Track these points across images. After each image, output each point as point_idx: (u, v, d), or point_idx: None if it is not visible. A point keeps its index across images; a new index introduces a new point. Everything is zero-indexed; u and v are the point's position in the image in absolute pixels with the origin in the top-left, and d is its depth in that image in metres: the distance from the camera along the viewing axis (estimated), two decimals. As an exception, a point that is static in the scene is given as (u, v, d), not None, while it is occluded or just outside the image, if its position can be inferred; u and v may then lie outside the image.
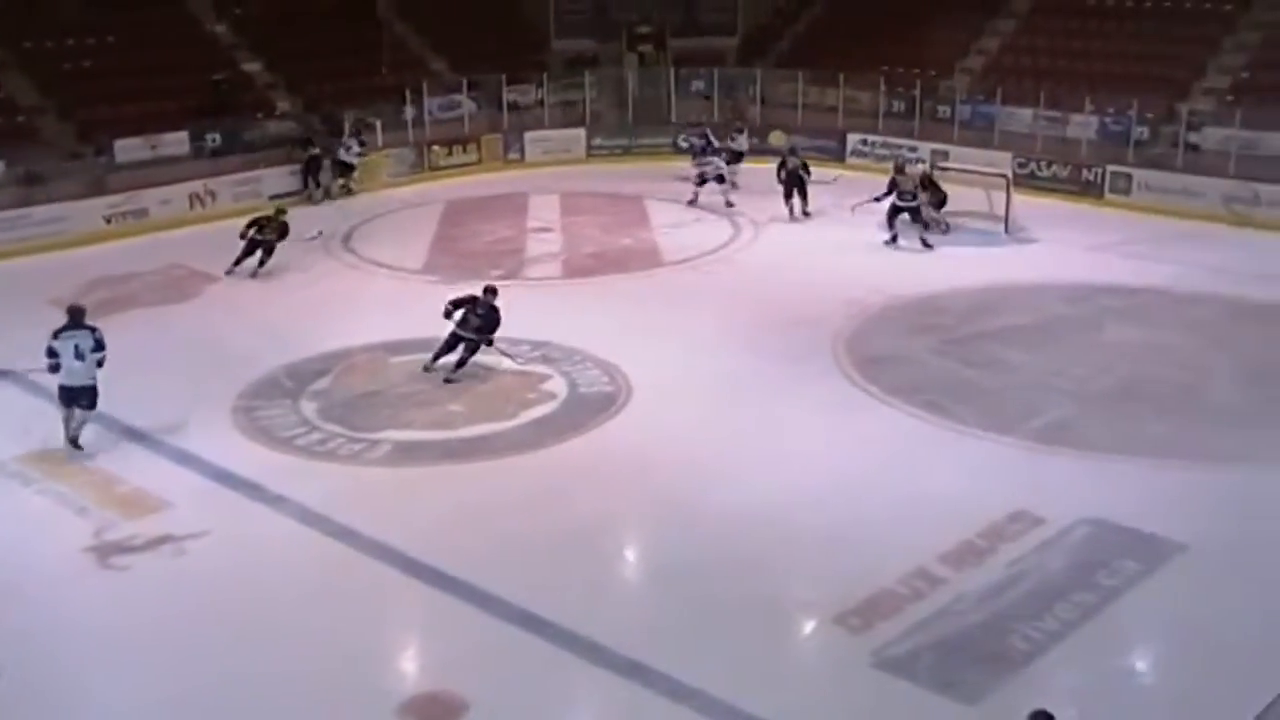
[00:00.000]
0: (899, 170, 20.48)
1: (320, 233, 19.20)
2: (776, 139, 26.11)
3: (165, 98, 23.13)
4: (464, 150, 26.09)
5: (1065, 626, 9.28)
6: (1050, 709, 6.50)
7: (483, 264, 19.08)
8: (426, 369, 14.06)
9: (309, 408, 13.50)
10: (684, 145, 25.46)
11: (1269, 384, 14.07)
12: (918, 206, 19.89)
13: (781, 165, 22.05)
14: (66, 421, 12.13)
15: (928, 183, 20.96)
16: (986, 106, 25.18)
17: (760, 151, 25.45)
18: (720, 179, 22.66)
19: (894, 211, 19.81)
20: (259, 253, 18.18)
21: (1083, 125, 23.75)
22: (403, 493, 11.67)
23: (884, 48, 27.13)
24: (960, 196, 20.85)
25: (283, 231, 18.33)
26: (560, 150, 27.05)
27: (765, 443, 12.57)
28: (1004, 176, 21.20)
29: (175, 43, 24.55)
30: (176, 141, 22.58)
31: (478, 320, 13.98)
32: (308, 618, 9.44)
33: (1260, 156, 21.61)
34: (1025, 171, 23.26)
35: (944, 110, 25.69)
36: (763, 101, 27.94)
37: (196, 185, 22.03)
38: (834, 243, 19.97)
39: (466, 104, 26.60)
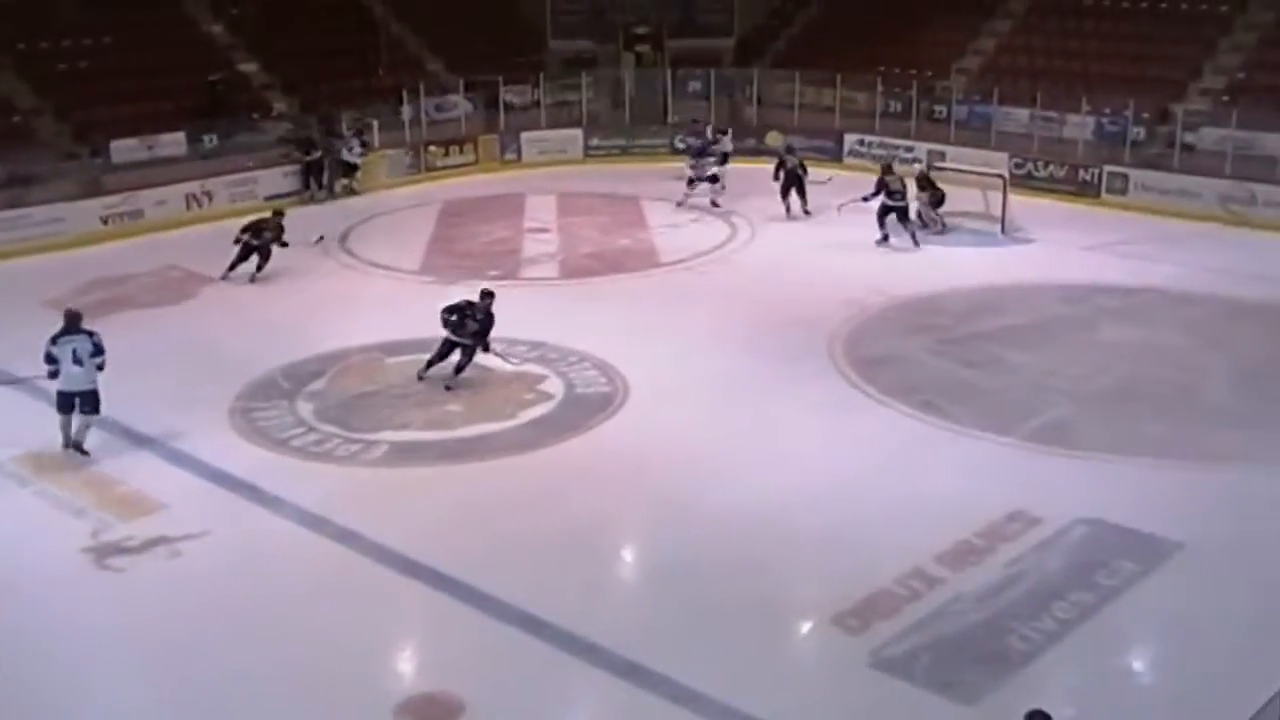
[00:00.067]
0: (887, 170, 20.50)
1: (322, 237, 19.11)
2: (773, 139, 26.11)
3: (162, 98, 23.12)
4: (461, 151, 26.07)
5: (1063, 626, 9.28)
6: (1048, 709, 6.50)
7: (480, 264, 19.08)
8: (420, 377, 13.96)
9: (306, 408, 13.49)
10: (680, 146, 25.43)
11: (1265, 384, 14.09)
12: (906, 206, 19.91)
13: (780, 165, 22.07)
14: (64, 428, 12.05)
15: (925, 182, 21.01)
16: (983, 107, 25.19)
17: (757, 152, 25.54)
18: (713, 179, 22.68)
19: (884, 211, 19.84)
20: (255, 257, 17.96)
21: (1079, 125, 23.76)
22: (400, 493, 11.66)
23: (880, 48, 27.13)
24: (957, 197, 20.88)
25: (279, 233, 18.07)
26: (557, 151, 27.02)
27: (762, 443, 12.57)
28: (1001, 177, 21.22)
29: (172, 43, 24.51)
30: (173, 142, 22.55)
31: (475, 325, 13.88)
32: (304, 618, 9.43)
33: (1256, 157, 21.63)
34: (1022, 172, 23.27)
35: (941, 110, 25.70)
36: (759, 102, 27.94)
37: (193, 186, 21.99)
38: (831, 243, 19.97)
39: (463, 104, 26.59)
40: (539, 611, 9.40)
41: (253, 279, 17.99)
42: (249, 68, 25.42)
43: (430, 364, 13.95)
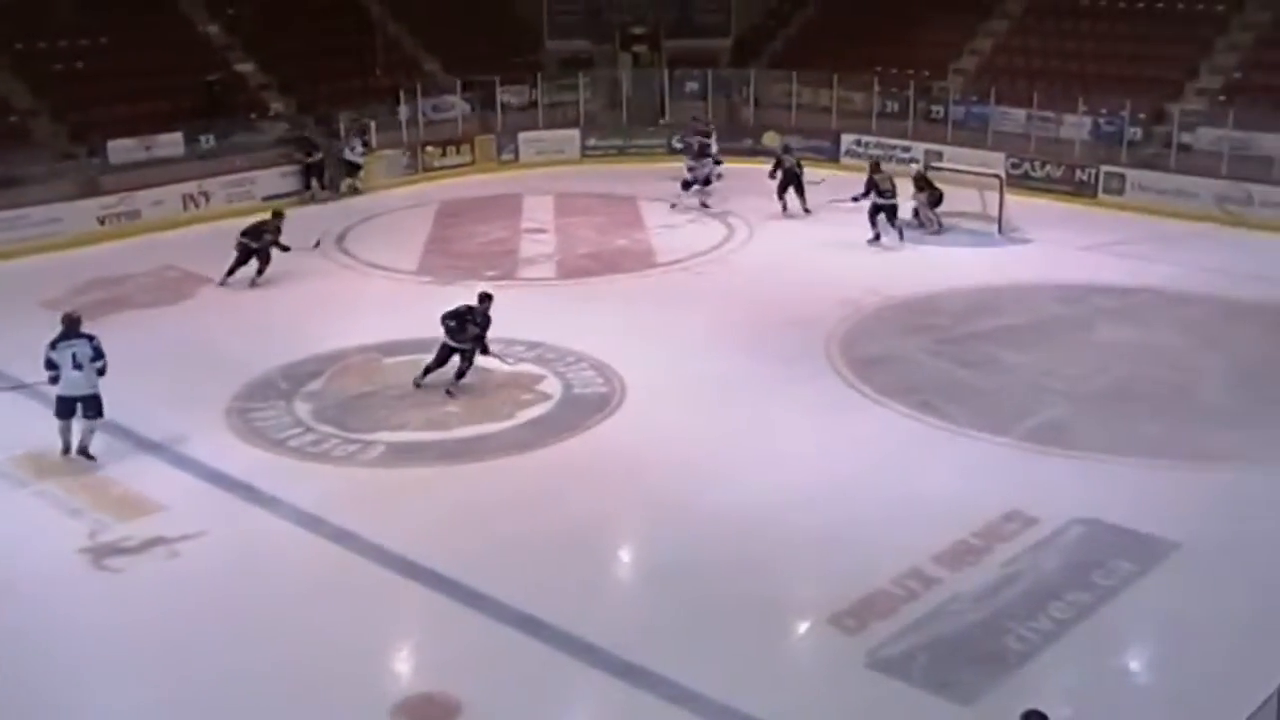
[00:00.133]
0: (875, 168, 20.54)
1: (319, 242, 18.99)
2: (770, 139, 26.15)
3: (159, 99, 23.11)
4: (458, 151, 26.08)
5: (1060, 626, 9.29)
6: (1045, 709, 6.49)
7: (477, 265, 19.10)
8: (417, 385, 13.84)
9: (303, 409, 13.49)
10: (678, 146, 25.42)
11: (1262, 384, 14.11)
12: (896, 204, 19.92)
13: (777, 164, 22.12)
14: (63, 433, 11.96)
15: (923, 182, 21.03)
16: (980, 107, 25.22)
17: (754, 152, 25.56)
18: (707, 180, 22.68)
19: (874, 210, 19.86)
20: (255, 261, 17.83)
21: (1076, 126, 23.78)
22: (397, 493, 11.66)
23: (877, 48, 27.15)
24: (954, 197, 20.91)
25: (278, 235, 17.87)
26: (554, 151, 27.04)
27: (759, 443, 12.58)
28: (997, 177, 21.21)
29: (168, 44, 24.49)
30: (170, 143, 22.55)
31: (476, 329, 13.79)
32: (302, 619, 9.43)
33: (1253, 157, 21.64)
34: (1019, 172, 23.30)
35: (937, 111, 25.75)
36: (756, 103, 27.97)
37: (190, 186, 22.01)
38: (828, 243, 19.98)
39: (460, 105, 26.59)
40: (536, 612, 9.40)
41: (253, 283, 17.87)
42: (246, 68, 25.41)
43: (428, 371, 13.85)
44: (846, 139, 26.17)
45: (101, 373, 11.87)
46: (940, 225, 20.71)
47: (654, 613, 9.69)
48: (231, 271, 17.86)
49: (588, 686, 8.90)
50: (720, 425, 13.02)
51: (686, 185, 22.57)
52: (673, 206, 22.47)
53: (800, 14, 30.15)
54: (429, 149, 25.60)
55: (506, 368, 14.20)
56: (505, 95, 26.94)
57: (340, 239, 20.65)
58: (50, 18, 23.66)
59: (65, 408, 11.88)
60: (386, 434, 12.82)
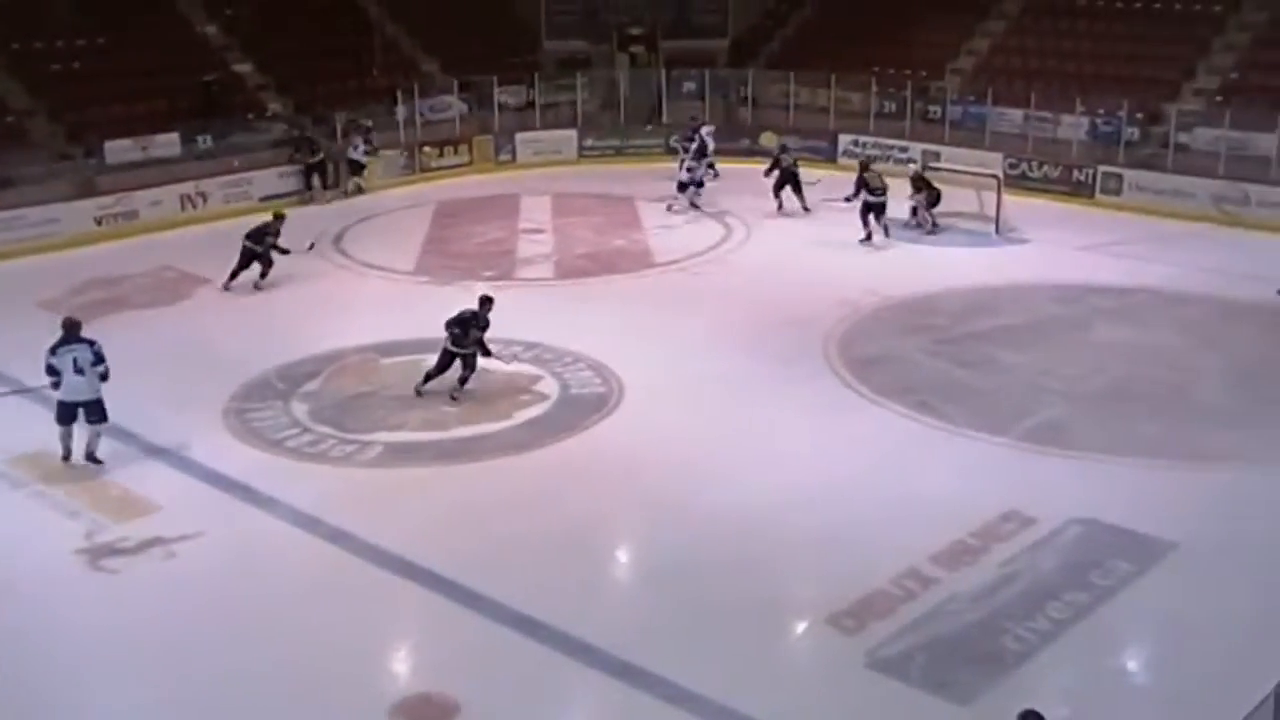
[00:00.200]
0: (865, 167, 20.55)
1: (313, 244, 18.89)
2: (768, 140, 26.14)
3: (156, 99, 23.10)
4: (455, 151, 26.06)
5: (1057, 626, 9.30)
6: (1042, 709, 6.51)
7: (474, 265, 19.10)
8: (418, 392, 13.67)
9: (300, 409, 13.48)
10: (676, 146, 25.39)
11: (1259, 384, 14.13)
12: (885, 202, 19.92)
13: (775, 163, 22.16)
14: (64, 439, 11.85)
15: (921, 182, 21.04)
16: (977, 107, 25.23)
17: (752, 152, 25.55)
18: (701, 183, 22.69)
19: (866, 209, 19.87)
20: (256, 265, 17.71)
21: (1073, 126, 23.81)
22: (394, 494, 11.66)
23: (875, 49, 27.16)
24: (951, 197, 20.92)
25: (278, 236, 17.74)
26: (552, 151, 27.03)
27: (757, 443, 12.58)
28: (995, 177, 21.23)
29: (166, 44, 24.46)
30: (167, 143, 22.51)
31: (479, 333, 13.68)
32: (299, 619, 9.43)
33: (1250, 157, 21.68)
34: (1016, 172, 23.31)
35: (935, 111, 25.76)
36: (754, 103, 27.97)
37: (187, 187, 21.99)
38: (826, 243, 19.99)
39: (457, 105, 26.58)
40: (534, 612, 9.40)
41: (256, 286, 17.75)
42: (243, 68, 25.38)
43: (429, 377, 13.68)
44: (844, 139, 26.16)
45: (104, 377, 11.74)
46: (935, 225, 20.71)
47: (652, 613, 9.68)
48: (234, 275, 17.75)
49: (586, 687, 8.89)
50: (718, 425, 13.02)
51: (683, 186, 22.55)
52: (669, 209, 22.46)
53: (798, 14, 30.16)
54: (426, 149, 25.58)
55: (506, 368, 14.18)
56: (503, 96, 26.93)
57: (337, 239, 20.64)
58: (47, 17, 23.62)
59: (66, 413, 11.77)
60: (384, 434, 12.82)
